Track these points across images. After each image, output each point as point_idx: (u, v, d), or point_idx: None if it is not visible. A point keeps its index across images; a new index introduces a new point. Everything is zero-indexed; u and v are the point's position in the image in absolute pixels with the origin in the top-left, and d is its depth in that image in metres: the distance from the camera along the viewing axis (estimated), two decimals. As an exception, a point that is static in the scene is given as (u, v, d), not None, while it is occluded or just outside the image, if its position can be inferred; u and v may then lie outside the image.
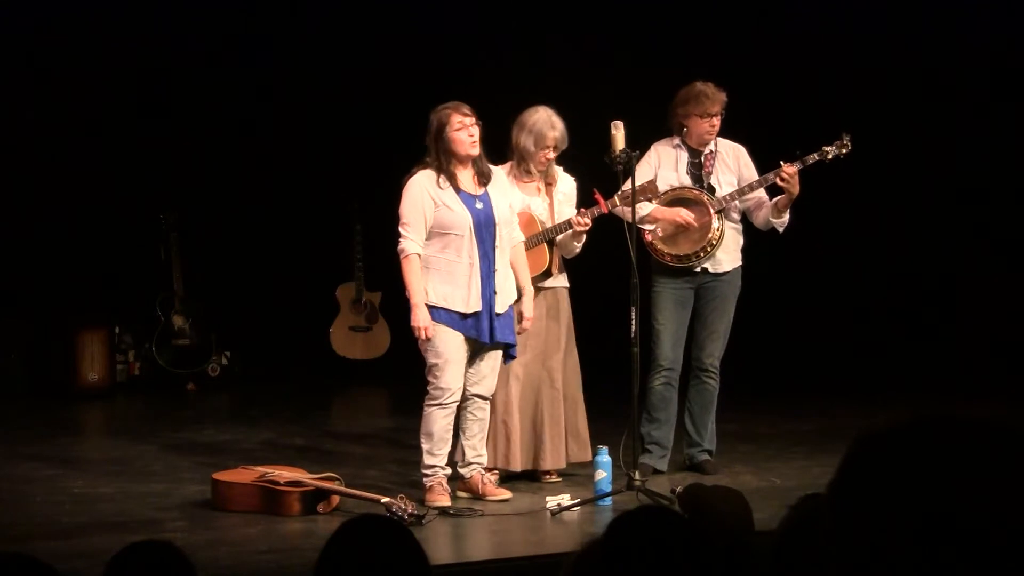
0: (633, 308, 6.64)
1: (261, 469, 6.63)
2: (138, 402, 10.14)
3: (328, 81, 10.58)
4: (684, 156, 7.20)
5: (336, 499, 6.34)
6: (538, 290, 6.93)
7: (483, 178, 6.58)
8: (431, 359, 6.51)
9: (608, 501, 6.54)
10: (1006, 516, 1.39)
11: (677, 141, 7.20)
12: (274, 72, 10.54)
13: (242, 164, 10.47)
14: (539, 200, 7.07)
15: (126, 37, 10.19)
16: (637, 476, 6.44)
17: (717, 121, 7.11)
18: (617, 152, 6.62)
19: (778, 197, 7.14)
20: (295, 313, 10.68)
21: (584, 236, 6.97)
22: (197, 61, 10.36)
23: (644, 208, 7.01)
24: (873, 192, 10.16)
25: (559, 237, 7.04)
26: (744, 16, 10.31)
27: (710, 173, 7.19)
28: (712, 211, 7.09)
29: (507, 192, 6.72)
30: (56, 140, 10.13)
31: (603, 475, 6.62)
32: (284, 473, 6.57)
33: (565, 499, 6.48)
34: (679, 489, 5.97)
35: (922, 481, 1.42)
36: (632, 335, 6.66)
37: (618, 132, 6.64)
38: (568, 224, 6.97)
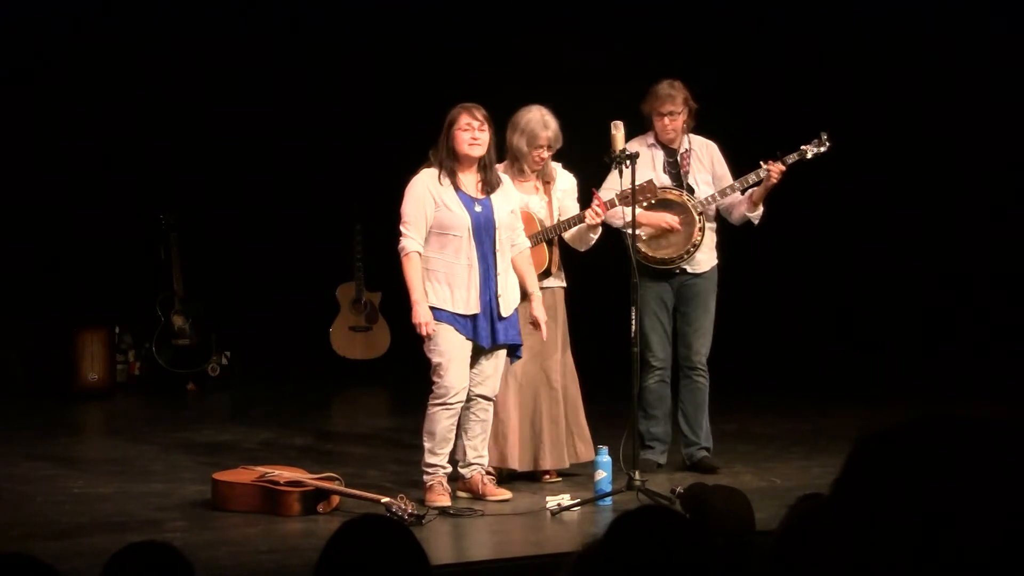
0: (633, 308, 6.65)
1: (261, 469, 6.63)
2: (138, 402, 10.13)
3: (328, 81, 10.58)
4: (660, 155, 7.19)
5: (336, 499, 6.34)
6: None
7: (487, 187, 6.57)
8: (435, 358, 6.50)
9: (608, 501, 6.54)
10: (1007, 516, 1.39)
11: (651, 140, 7.19)
12: (274, 72, 10.53)
13: (242, 164, 10.47)
14: (537, 199, 7.06)
15: (126, 36, 10.19)
16: (637, 476, 6.44)
17: (669, 121, 7.11)
18: (617, 152, 6.63)
19: (753, 190, 7.15)
20: (295, 313, 10.68)
21: (600, 228, 6.96)
22: (197, 61, 10.36)
23: (628, 213, 6.99)
24: (873, 191, 10.16)
25: (570, 232, 7.03)
26: (745, 15, 10.30)
27: (687, 172, 7.20)
28: (695, 214, 7.10)
29: (510, 198, 6.70)
30: (56, 140, 10.13)
31: (603, 475, 6.62)
32: (284, 473, 6.57)
33: (565, 499, 6.48)
34: (680, 489, 5.98)
35: (924, 481, 1.42)
36: (632, 335, 6.67)
37: (618, 132, 6.65)
38: (571, 221, 6.97)
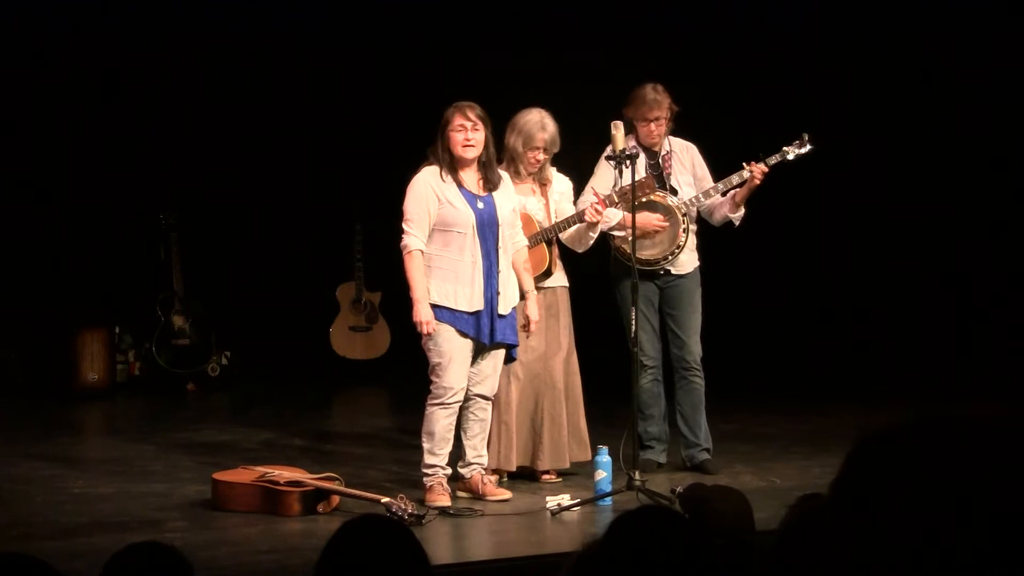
0: (633, 309, 6.65)
1: (261, 469, 6.63)
2: (138, 402, 10.13)
3: (328, 81, 10.58)
4: (642, 158, 7.19)
5: (336, 499, 6.34)
6: (539, 290, 6.92)
7: (489, 184, 6.57)
8: (434, 358, 6.50)
9: (608, 501, 6.54)
10: (1007, 516, 1.39)
11: (633, 142, 7.18)
12: (274, 72, 10.53)
13: (242, 164, 10.47)
14: (534, 200, 7.07)
15: (126, 36, 10.19)
16: (637, 476, 6.44)
17: (655, 127, 7.12)
18: (617, 152, 6.63)
19: (736, 190, 7.16)
20: (295, 313, 10.67)
21: (598, 227, 6.96)
22: (197, 60, 10.36)
23: (614, 215, 6.98)
24: (872, 191, 10.16)
25: (568, 232, 7.03)
26: (746, 15, 10.30)
27: (669, 174, 7.21)
28: (680, 215, 7.10)
29: (511, 196, 6.71)
30: (56, 139, 10.12)
31: (603, 475, 6.62)
32: (284, 473, 6.57)
33: (565, 499, 6.48)
34: (679, 489, 5.98)
35: (924, 481, 1.42)
36: (632, 336, 6.68)
37: (618, 132, 6.65)
38: (570, 221, 6.97)
